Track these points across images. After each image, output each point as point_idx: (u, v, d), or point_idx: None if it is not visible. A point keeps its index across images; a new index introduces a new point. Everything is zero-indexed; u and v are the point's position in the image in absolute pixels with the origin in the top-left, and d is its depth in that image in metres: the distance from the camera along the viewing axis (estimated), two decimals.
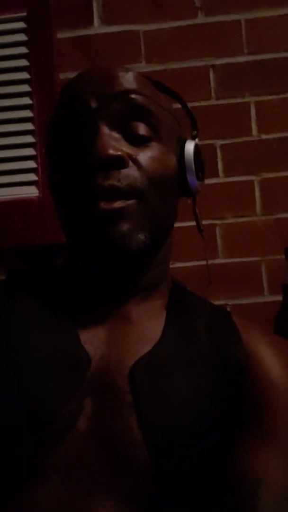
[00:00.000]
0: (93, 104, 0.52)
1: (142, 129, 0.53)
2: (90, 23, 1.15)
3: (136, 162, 0.52)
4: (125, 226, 0.50)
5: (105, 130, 0.52)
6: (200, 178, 0.59)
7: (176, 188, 0.57)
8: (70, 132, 0.53)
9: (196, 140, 0.60)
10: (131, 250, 0.51)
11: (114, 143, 0.51)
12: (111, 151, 0.50)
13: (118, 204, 0.50)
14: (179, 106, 0.62)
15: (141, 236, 0.51)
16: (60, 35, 1.15)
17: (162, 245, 0.58)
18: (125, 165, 0.51)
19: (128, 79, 0.54)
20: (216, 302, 0.64)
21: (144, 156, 0.53)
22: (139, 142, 0.53)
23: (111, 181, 0.50)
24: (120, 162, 0.51)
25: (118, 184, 0.50)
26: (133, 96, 0.53)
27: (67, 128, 0.54)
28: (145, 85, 0.56)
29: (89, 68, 0.58)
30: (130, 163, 0.52)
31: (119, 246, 0.50)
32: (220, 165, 1.12)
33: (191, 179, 0.58)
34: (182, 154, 0.58)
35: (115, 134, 0.52)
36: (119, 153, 0.50)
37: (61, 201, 0.56)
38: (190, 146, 0.58)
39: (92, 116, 0.52)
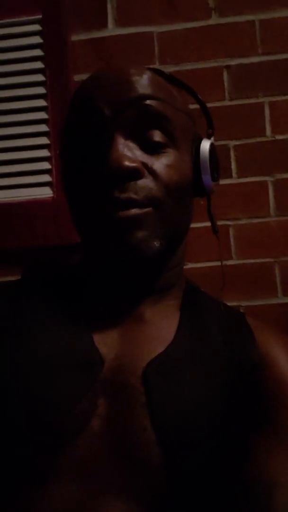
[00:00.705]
0: (107, 113, 0.51)
1: (157, 136, 0.52)
2: (104, 25, 1.16)
3: (152, 171, 0.51)
4: (141, 233, 0.50)
5: (120, 140, 0.51)
6: (215, 178, 0.59)
7: (191, 190, 0.57)
8: (84, 137, 0.53)
9: (212, 138, 0.60)
10: (146, 257, 0.51)
11: (130, 154, 0.51)
12: (127, 163, 0.49)
13: (135, 211, 0.50)
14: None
15: (156, 244, 0.51)
16: (75, 37, 1.16)
17: (177, 248, 0.58)
18: (141, 176, 0.51)
19: (142, 83, 0.53)
20: (229, 303, 0.64)
21: (160, 164, 0.52)
22: (154, 149, 0.52)
23: (128, 194, 0.50)
24: (136, 174, 0.50)
25: (135, 197, 0.50)
26: (148, 102, 0.52)
27: (81, 133, 0.53)
28: (160, 87, 0.54)
29: (102, 68, 0.57)
30: (146, 173, 0.51)
31: (135, 253, 0.50)
32: (233, 166, 1.12)
33: (206, 179, 0.57)
34: (197, 153, 0.57)
35: (130, 143, 0.52)
36: (134, 164, 0.50)
37: (76, 206, 0.56)
38: (205, 146, 0.57)
39: (106, 125, 0.51)
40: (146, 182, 0.51)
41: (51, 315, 0.54)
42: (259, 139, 1.12)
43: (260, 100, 1.12)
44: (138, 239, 0.50)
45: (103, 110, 0.51)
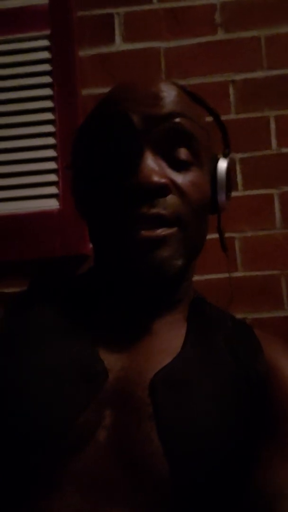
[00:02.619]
0: (138, 125, 0.51)
1: (184, 154, 0.52)
2: (111, 40, 1.18)
3: (178, 188, 0.52)
4: (165, 253, 0.50)
5: (149, 154, 0.51)
6: (228, 198, 0.59)
7: (208, 208, 0.57)
8: (109, 149, 0.52)
9: (228, 157, 0.60)
10: (167, 276, 0.51)
11: (158, 169, 0.50)
12: (157, 179, 0.49)
13: (162, 231, 0.50)
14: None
15: (179, 262, 0.51)
16: (82, 52, 1.18)
17: (192, 264, 0.58)
18: (169, 192, 0.51)
19: (173, 100, 0.53)
20: (235, 315, 0.64)
21: (185, 181, 0.52)
22: (180, 167, 0.53)
23: (156, 210, 0.50)
24: (165, 189, 0.50)
25: (164, 212, 0.50)
26: (178, 120, 0.52)
27: (104, 143, 0.53)
28: (187, 104, 0.55)
29: (128, 81, 0.57)
30: (173, 190, 0.51)
31: (157, 272, 0.50)
32: (239, 179, 1.12)
33: (221, 198, 0.57)
34: (214, 172, 0.57)
35: (158, 159, 0.51)
36: (164, 180, 0.50)
37: (94, 220, 0.56)
38: (223, 166, 0.57)
39: (136, 138, 0.51)
40: (173, 199, 0.51)
41: (57, 326, 0.54)
42: (265, 152, 1.13)
43: (266, 113, 1.13)
44: (162, 258, 0.50)
45: (134, 122, 0.51)
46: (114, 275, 0.55)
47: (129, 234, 0.50)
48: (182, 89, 0.57)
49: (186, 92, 0.57)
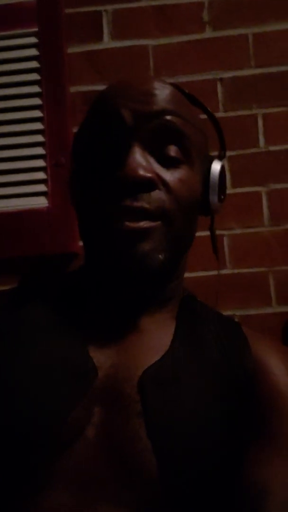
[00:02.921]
0: (129, 122, 0.51)
1: (174, 151, 0.53)
2: (100, 38, 1.18)
3: (165, 184, 0.52)
4: (147, 246, 0.50)
5: (138, 149, 0.51)
6: (221, 200, 0.60)
7: (198, 208, 0.58)
8: (100, 143, 0.53)
9: (223, 160, 0.60)
10: (149, 270, 0.51)
11: (146, 164, 0.51)
12: (143, 173, 0.49)
13: (144, 224, 0.50)
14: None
15: (161, 256, 0.51)
16: (71, 49, 1.18)
17: (179, 262, 0.58)
18: (154, 188, 0.51)
19: (165, 98, 0.53)
20: (223, 313, 0.64)
21: (173, 178, 0.53)
22: (169, 163, 0.53)
23: (140, 203, 0.50)
24: (150, 184, 0.50)
25: (148, 206, 0.50)
26: (169, 117, 0.52)
27: (98, 139, 0.53)
28: (181, 103, 0.55)
29: (124, 78, 0.57)
30: (160, 185, 0.52)
31: (138, 265, 0.50)
32: (228, 176, 1.13)
33: (213, 200, 0.58)
34: (207, 174, 0.58)
35: (147, 155, 0.52)
36: (150, 175, 0.50)
37: (83, 214, 0.56)
38: (216, 168, 0.58)
39: (126, 133, 0.52)
40: (159, 194, 0.51)
41: (47, 324, 0.54)
42: (253, 150, 1.13)
43: (254, 111, 1.14)
44: (144, 251, 0.50)
45: (124, 118, 0.52)
46: (101, 270, 0.55)
47: (113, 226, 0.50)
48: (179, 89, 0.57)
49: (183, 93, 0.58)
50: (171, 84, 0.57)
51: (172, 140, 0.53)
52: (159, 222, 0.51)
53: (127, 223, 0.50)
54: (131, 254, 0.50)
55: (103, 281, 0.57)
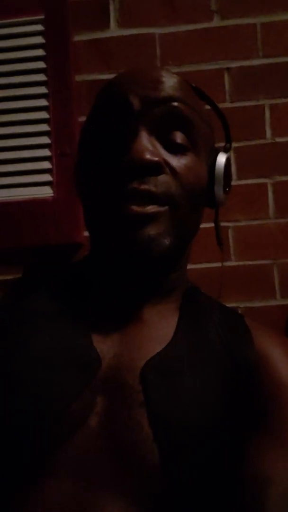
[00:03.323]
0: (136, 107, 0.52)
1: (180, 138, 0.53)
2: (106, 26, 1.17)
3: (172, 169, 0.52)
4: (153, 230, 0.50)
5: (145, 134, 0.51)
6: (226, 192, 0.60)
7: (204, 197, 0.58)
8: (108, 130, 0.53)
9: (228, 153, 0.60)
10: (154, 254, 0.51)
11: (152, 149, 0.51)
12: (149, 156, 0.50)
13: (151, 208, 0.50)
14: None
15: (166, 241, 0.51)
16: (77, 37, 1.17)
17: (184, 252, 0.59)
18: (161, 172, 0.51)
19: (173, 85, 0.54)
20: (227, 305, 0.64)
21: (180, 164, 0.53)
22: (175, 150, 0.53)
23: (147, 186, 0.50)
24: (157, 168, 0.51)
25: (154, 190, 0.50)
26: (176, 104, 0.53)
27: (106, 125, 0.54)
28: (188, 93, 0.56)
29: (134, 67, 0.58)
30: (167, 170, 0.52)
31: (144, 250, 0.50)
32: (233, 168, 1.12)
33: (219, 191, 0.58)
34: (213, 165, 0.58)
35: (153, 140, 0.52)
36: (156, 159, 0.50)
37: (89, 200, 0.56)
38: (222, 159, 0.58)
39: (133, 118, 0.52)
40: (166, 178, 0.52)
41: (51, 314, 0.54)
42: (259, 142, 1.13)
43: (261, 102, 1.13)
44: (150, 235, 0.50)
45: (132, 103, 0.52)
46: (106, 256, 0.55)
47: (119, 209, 0.50)
48: (186, 81, 0.57)
49: (189, 85, 0.58)
50: (177, 75, 0.57)
51: (179, 127, 0.53)
52: (166, 207, 0.51)
53: (133, 207, 0.50)
54: (137, 238, 0.50)
55: (107, 269, 0.57)
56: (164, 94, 0.53)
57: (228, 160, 0.59)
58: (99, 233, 0.56)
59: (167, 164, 0.52)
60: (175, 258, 0.57)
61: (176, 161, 0.53)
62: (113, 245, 0.52)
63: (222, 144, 0.62)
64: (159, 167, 0.51)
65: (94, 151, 0.55)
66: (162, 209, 0.51)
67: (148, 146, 0.51)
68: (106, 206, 0.52)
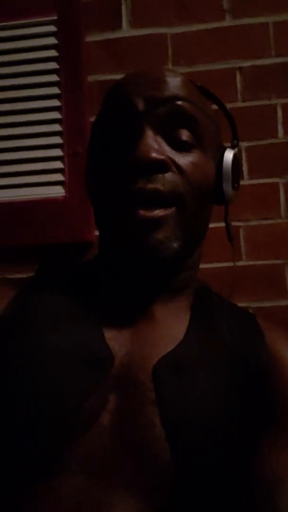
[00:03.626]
0: (140, 107, 0.53)
1: (185, 135, 0.54)
2: (118, 26, 1.17)
3: (178, 167, 0.52)
4: (161, 235, 0.51)
5: (150, 133, 0.52)
6: (235, 188, 0.60)
7: (212, 194, 0.58)
8: (114, 131, 0.54)
9: (236, 149, 0.61)
10: (163, 258, 0.51)
11: (158, 147, 0.52)
12: (155, 155, 0.50)
13: (158, 213, 0.51)
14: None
15: (175, 245, 0.52)
16: (89, 38, 1.17)
17: (194, 250, 0.59)
18: (168, 170, 0.51)
19: (177, 85, 0.54)
20: (238, 304, 0.64)
21: (186, 161, 0.53)
22: (181, 148, 0.54)
23: (154, 185, 0.51)
24: (163, 166, 0.51)
25: (162, 188, 0.51)
26: (180, 102, 0.53)
27: (112, 127, 0.54)
28: (193, 91, 0.56)
29: (135, 70, 0.59)
30: (173, 168, 0.52)
31: (151, 254, 0.51)
32: (245, 167, 1.12)
33: (227, 188, 0.58)
34: (221, 162, 0.58)
35: (159, 138, 0.53)
36: (162, 157, 0.51)
37: (98, 201, 0.57)
38: (229, 156, 0.58)
39: (138, 118, 0.52)
40: (172, 177, 0.52)
41: (64, 312, 0.55)
42: (271, 141, 1.12)
43: (273, 102, 1.13)
44: (157, 239, 0.51)
45: (136, 104, 0.53)
46: (115, 257, 0.56)
47: (127, 213, 0.51)
48: (189, 80, 0.57)
49: (193, 84, 0.58)
50: (181, 74, 0.57)
51: (183, 124, 0.54)
52: (173, 209, 0.52)
53: (141, 212, 0.50)
54: (145, 242, 0.50)
55: (116, 269, 0.57)
56: (168, 93, 0.53)
57: (235, 156, 0.59)
58: (108, 235, 0.56)
59: (173, 162, 0.52)
60: (184, 259, 0.57)
61: (182, 159, 0.53)
62: (121, 248, 0.52)
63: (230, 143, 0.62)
64: (165, 165, 0.51)
65: (101, 152, 0.56)
66: (169, 211, 0.51)
67: (154, 145, 0.51)
68: (114, 208, 0.52)
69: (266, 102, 1.13)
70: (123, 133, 0.53)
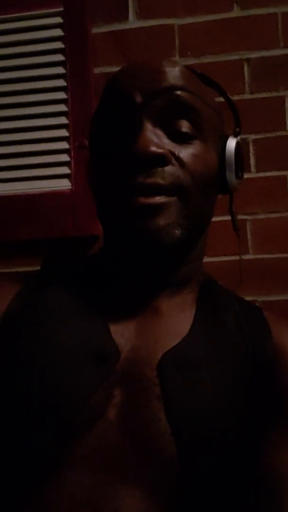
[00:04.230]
0: (138, 99, 0.52)
1: (185, 126, 0.53)
2: (125, 17, 1.16)
3: (178, 159, 0.52)
4: (162, 221, 0.50)
5: (149, 126, 0.51)
6: (239, 177, 0.59)
7: (215, 184, 0.57)
8: (113, 125, 0.53)
9: (238, 137, 0.60)
10: (164, 244, 0.51)
11: (157, 140, 0.51)
12: (154, 148, 0.50)
13: (159, 199, 0.50)
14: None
15: (177, 232, 0.51)
16: (96, 30, 1.16)
17: (198, 241, 0.58)
18: (168, 163, 0.51)
19: (174, 75, 0.53)
20: (245, 298, 0.64)
21: (187, 153, 0.52)
22: (181, 139, 0.53)
23: (154, 179, 0.50)
24: (163, 160, 0.50)
25: (162, 182, 0.50)
26: (178, 92, 0.52)
27: (110, 122, 0.54)
28: (192, 80, 0.55)
29: (132, 61, 0.58)
30: (173, 161, 0.52)
31: (153, 239, 0.50)
32: (252, 160, 1.11)
33: (231, 177, 0.57)
34: (223, 151, 0.57)
35: (158, 131, 0.52)
36: (161, 150, 0.50)
37: (99, 194, 0.56)
38: (231, 144, 0.57)
39: (136, 111, 0.52)
40: (173, 169, 0.51)
41: (69, 306, 0.55)
42: (278, 133, 1.11)
43: (281, 93, 1.11)
44: (159, 225, 0.50)
45: (134, 97, 0.52)
46: (117, 248, 0.56)
47: (127, 202, 0.51)
48: (188, 68, 0.57)
49: (193, 72, 0.57)
50: (179, 63, 0.56)
51: (183, 115, 0.53)
52: (175, 198, 0.51)
53: (141, 198, 0.50)
54: (145, 228, 0.50)
55: (120, 261, 0.57)
56: (165, 83, 0.52)
57: (238, 144, 0.58)
58: (109, 226, 0.56)
59: (173, 154, 0.52)
60: (188, 248, 0.57)
61: (182, 151, 0.52)
62: (123, 236, 0.52)
63: (243, 136, 0.61)
64: (165, 159, 0.50)
65: (101, 146, 0.55)
66: (171, 199, 0.51)
67: (153, 138, 0.51)
68: (114, 200, 0.52)
69: (274, 94, 1.11)
70: (122, 127, 0.53)
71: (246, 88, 1.12)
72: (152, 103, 0.52)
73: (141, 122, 0.51)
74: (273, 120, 1.11)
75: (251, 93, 1.12)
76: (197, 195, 0.53)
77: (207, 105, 0.56)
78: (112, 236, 0.57)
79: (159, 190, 0.50)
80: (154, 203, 0.50)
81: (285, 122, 1.11)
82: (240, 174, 0.59)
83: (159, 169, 0.51)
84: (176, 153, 0.52)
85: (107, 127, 0.54)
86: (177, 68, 0.54)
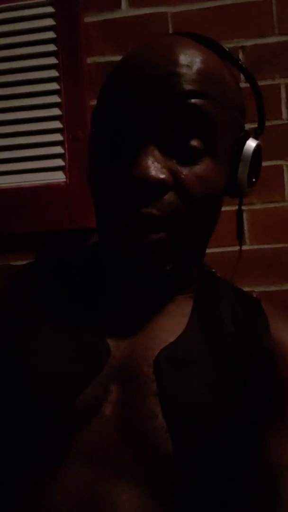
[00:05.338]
0: (141, 110, 0.47)
1: (195, 143, 0.47)
2: (117, 6, 1.14)
3: (181, 184, 0.47)
4: (152, 260, 0.48)
5: (150, 147, 0.46)
6: (253, 183, 0.55)
7: (220, 198, 0.54)
8: (113, 135, 0.49)
9: (259, 139, 0.55)
10: (154, 279, 0.50)
11: (158, 164, 0.46)
12: (154, 174, 0.45)
13: (151, 237, 0.47)
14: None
15: (168, 268, 0.49)
16: (88, 19, 1.15)
17: (198, 254, 0.57)
18: (167, 191, 0.47)
19: (191, 76, 0.47)
20: (242, 289, 0.63)
21: (191, 175, 0.48)
22: (188, 157, 0.48)
23: (149, 210, 0.46)
24: (161, 188, 0.46)
25: (158, 214, 0.46)
26: (193, 101, 0.46)
27: (111, 122, 0.49)
28: (212, 76, 0.48)
29: (147, 45, 0.50)
30: (174, 185, 0.47)
31: (143, 275, 0.50)
32: None
33: (242, 185, 0.53)
34: (239, 154, 0.52)
35: (162, 150, 0.47)
36: (162, 176, 0.46)
37: (97, 204, 0.53)
38: (249, 148, 0.53)
39: (138, 128, 0.47)
40: (172, 197, 0.47)
41: (62, 302, 0.54)
42: (274, 122, 1.10)
43: (277, 81, 1.10)
44: (149, 264, 0.48)
45: (136, 106, 0.47)
46: (109, 257, 0.54)
47: (119, 230, 0.48)
48: (214, 48, 0.52)
49: (218, 51, 0.52)
50: (204, 46, 0.50)
51: (194, 130, 0.47)
52: (165, 233, 0.48)
53: (133, 234, 0.47)
54: (136, 266, 0.49)
55: (114, 264, 0.56)
56: (177, 90, 0.46)
57: (257, 148, 0.53)
58: (103, 236, 0.53)
59: (176, 176, 0.47)
60: (181, 275, 0.55)
61: (187, 172, 0.47)
62: (115, 258, 0.51)
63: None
64: (165, 186, 0.46)
65: (100, 155, 0.51)
66: (163, 235, 0.47)
67: (154, 163, 0.45)
68: (109, 221, 0.50)
69: (270, 82, 1.10)
70: (122, 139, 0.48)
71: (241, 76, 1.11)
72: (160, 114, 0.46)
73: (143, 142, 0.47)
74: (269, 108, 1.09)
75: (246, 81, 1.11)
76: (196, 222, 0.49)
77: (225, 106, 0.50)
78: (106, 247, 0.54)
79: (153, 222, 0.47)
80: (146, 241, 0.47)
81: (281, 111, 1.10)
82: (253, 180, 0.55)
83: (157, 198, 0.47)
84: (179, 175, 0.47)
85: (107, 127, 0.50)
86: (195, 66, 0.47)
